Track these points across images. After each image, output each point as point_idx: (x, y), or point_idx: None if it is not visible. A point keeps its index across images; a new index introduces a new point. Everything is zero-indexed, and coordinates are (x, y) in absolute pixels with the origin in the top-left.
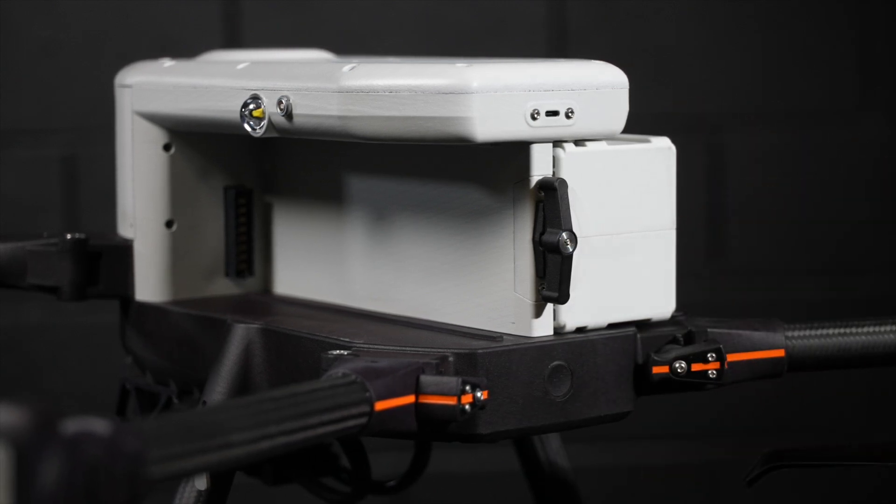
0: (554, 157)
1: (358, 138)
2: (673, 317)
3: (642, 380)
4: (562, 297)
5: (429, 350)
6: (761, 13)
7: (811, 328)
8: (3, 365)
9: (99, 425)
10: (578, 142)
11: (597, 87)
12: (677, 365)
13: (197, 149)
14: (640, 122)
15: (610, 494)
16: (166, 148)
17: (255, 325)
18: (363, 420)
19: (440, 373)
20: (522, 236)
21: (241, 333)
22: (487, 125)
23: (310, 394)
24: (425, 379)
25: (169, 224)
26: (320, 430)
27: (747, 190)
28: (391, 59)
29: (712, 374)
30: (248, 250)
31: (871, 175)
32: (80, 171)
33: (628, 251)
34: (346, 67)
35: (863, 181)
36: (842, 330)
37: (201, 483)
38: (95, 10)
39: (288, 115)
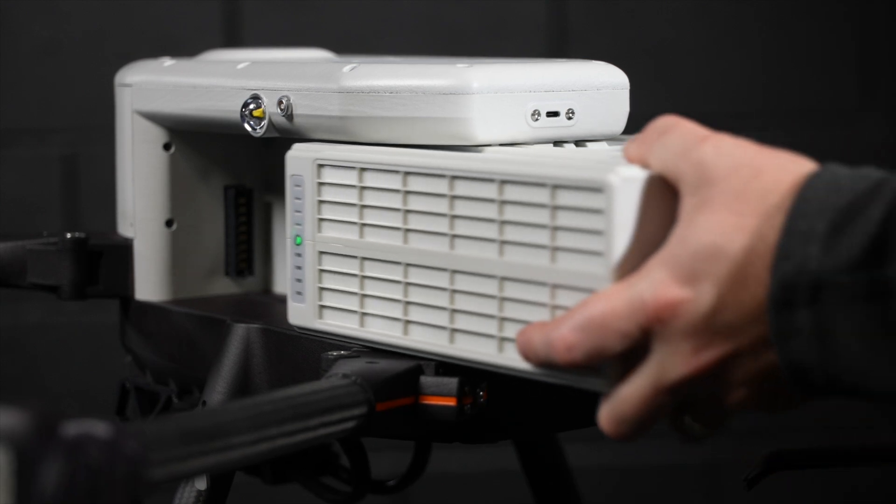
0: None
1: (358, 138)
2: None
3: None
4: None
5: None
6: (761, 13)
7: None
8: (3, 365)
9: (99, 428)
10: (579, 142)
11: (597, 87)
12: None
13: (197, 148)
14: (640, 122)
15: (610, 494)
16: (166, 147)
17: (255, 325)
18: (363, 421)
19: (440, 373)
20: None
21: (240, 333)
22: (488, 126)
23: (310, 395)
24: (425, 380)
25: (169, 223)
26: (320, 432)
27: None
28: (392, 59)
29: None
30: (248, 250)
31: None
32: (81, 170)
33: None
34: (347, 67)
35: None
36: None
37: (201, 483)
38: (95, 10)
39: (288, 115)
